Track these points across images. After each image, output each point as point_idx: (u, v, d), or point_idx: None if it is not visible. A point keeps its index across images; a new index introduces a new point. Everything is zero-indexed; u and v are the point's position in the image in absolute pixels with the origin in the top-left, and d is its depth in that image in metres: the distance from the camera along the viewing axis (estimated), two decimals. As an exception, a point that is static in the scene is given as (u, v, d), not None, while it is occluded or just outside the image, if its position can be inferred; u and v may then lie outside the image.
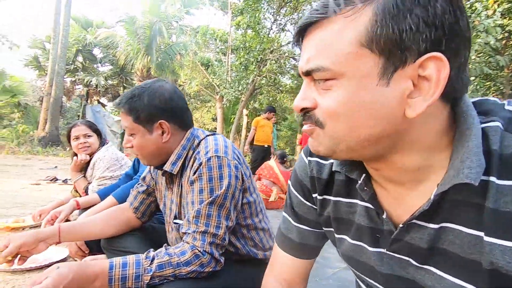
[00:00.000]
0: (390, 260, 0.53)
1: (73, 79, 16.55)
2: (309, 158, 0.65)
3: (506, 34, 6.43)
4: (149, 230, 1.34)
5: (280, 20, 9.70)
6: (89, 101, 16.28)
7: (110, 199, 1.50)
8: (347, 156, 0.50)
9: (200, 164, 0.97)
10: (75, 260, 1.48)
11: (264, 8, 9.16)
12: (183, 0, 16.44)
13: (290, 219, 0.71)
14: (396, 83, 0.42)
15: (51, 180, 4.45)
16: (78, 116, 16.73)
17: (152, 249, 0.93)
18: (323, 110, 0.46)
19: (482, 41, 5.99)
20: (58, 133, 12.42)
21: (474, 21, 6.25)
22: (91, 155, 2.15)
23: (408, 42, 0.40)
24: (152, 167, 1.26)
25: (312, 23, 0.45)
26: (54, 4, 12.20)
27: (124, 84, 17.31)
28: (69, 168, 6.76)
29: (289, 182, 0.73)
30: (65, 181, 4.49)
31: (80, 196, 2.30)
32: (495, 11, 6.61)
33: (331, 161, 0.61)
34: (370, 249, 0.56)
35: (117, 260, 0.85)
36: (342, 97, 0.44)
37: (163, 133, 1.04)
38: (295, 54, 10.54)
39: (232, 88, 9.90)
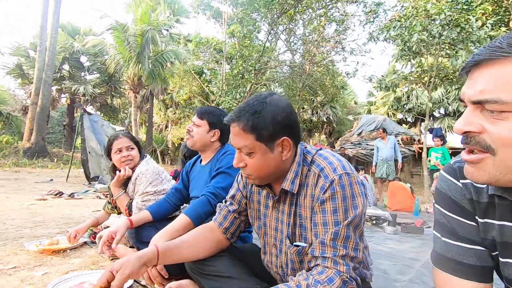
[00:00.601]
0: None
1: (59, 87, 15.98)
2: (463, 181, 0.64)
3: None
4: (234, 251, 1.25)
5: (277, 29, 9.80)
6: (75, 110, 15.70)
7: (184, 218, 1.39)
8: (508, 185, 0.52)
9: (332, 182, 0.90)
10: (146, 287, 1.37)
11: (261, 17, 9.24)
12: (173, 9, 16.36)
13: (458, 243, 0.67)
14: None
15: (56, 195, 4.21)
16: (64, 125, 16.13)
17: (292, 277, 0.85)
18: (495, 137, 0.48)
19: (476, 51, 6.34)
20: (45, 144, 11.91)
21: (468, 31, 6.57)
22: (132, 169, 2.02)
23: None
24: (242, 183, 1.18)
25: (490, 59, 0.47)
26: (40, 11, 11.81)
27: (113, 93, 16.88)
28: (65, 181, 6.41)
29: (438, 207, 0.70)
30: (71, 196, 4.26)
31: (119, 213, 2.16)
32: (483, 24, 6.98)
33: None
34: None
35: None
36: None
37: (282, 150, 0.97)
38: (291, 62, 10.65)
39: (229, 96, 9.86)
